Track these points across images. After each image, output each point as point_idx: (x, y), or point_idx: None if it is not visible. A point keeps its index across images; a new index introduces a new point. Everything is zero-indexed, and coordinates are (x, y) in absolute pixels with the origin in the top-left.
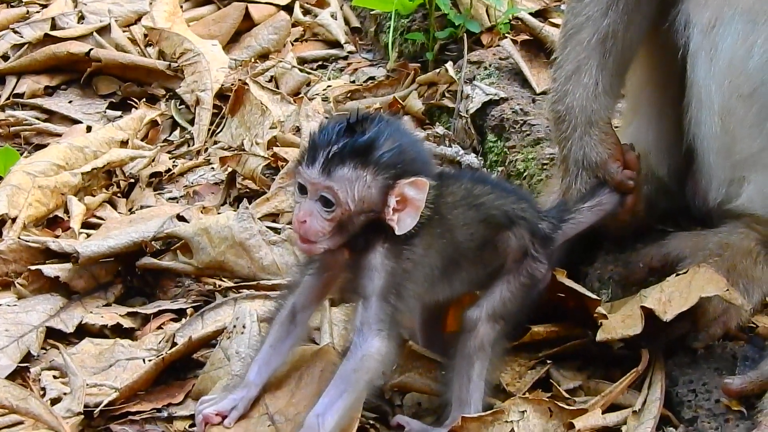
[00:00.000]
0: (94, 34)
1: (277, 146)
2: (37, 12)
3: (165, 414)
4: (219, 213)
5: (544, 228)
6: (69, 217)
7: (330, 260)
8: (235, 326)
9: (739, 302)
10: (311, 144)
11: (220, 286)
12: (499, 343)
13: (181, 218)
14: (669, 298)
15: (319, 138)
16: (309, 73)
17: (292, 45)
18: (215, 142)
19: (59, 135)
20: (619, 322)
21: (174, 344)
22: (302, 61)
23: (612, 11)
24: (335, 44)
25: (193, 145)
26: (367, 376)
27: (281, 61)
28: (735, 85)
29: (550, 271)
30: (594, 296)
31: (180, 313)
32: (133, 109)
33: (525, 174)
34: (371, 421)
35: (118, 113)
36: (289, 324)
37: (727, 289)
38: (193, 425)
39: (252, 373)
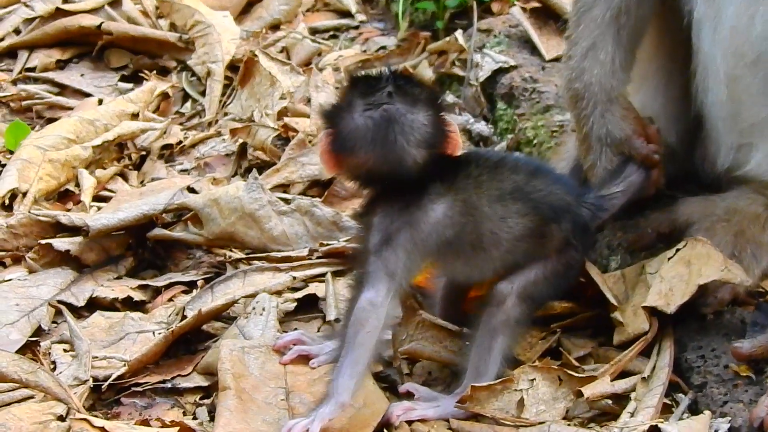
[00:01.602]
0: (106, 6)
1: (288, 117)
2: None
3: (174, 386)
4: (229, 184)
5: (584, 217)
6: (80, 190)
7: None
8: (254, 308)
9: (737, 280)
10: None
11: (230, 257)
12: (524, 322)
13: (191, 190)
14: (670, 286)
15: None
16: (320, 43)
17: (304, 15)
18: (226, 114)
19: (71, 108)
20: (631, 316)
21: (184, 317)
22: (313, 31)
23: None
24: (346, 14)
25: (204, 116)
26: (363, 328)
27: (292, 32)
28: (739, 53)
29: (584, 258)
30: (614, 300)
31: (191, 285)
32: (145, 82)
33: (535, 141)
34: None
35: (130, 86)
36: None
37: (724, 268)
38: (203, 397)
39: None
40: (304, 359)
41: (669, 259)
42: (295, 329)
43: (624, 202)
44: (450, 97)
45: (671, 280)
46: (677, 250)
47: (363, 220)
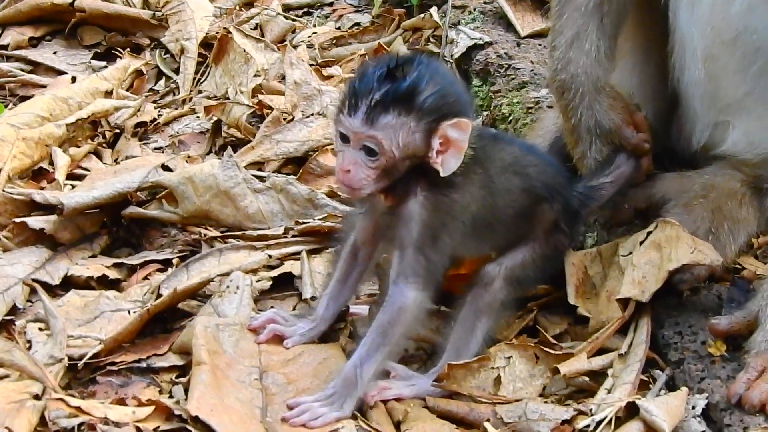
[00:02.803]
0: None
1: (262, 94)
2: None
3: (149, 365)
4: (204, 162)
5: (574, 204)
6: (54, 168)
7: (372, 204)
8: (228, 287)
9: (708, 261)
10: (352, 92)
11: (205, 235)
12: (509, 305)
13: (166, 168)
14: (643, 273)
15: (360, 85)
16: (294, 20)
17: None
18: (200, 91)
19: (44, 86)
20: (605, 303)
21: (159, 296)
22: (287, 8)
23: None
24: None
25: (178, 94)
26: (402, 328)
27: (266, 9)
28: (717, 32)
29: (571, 245)
30: (572, 299)
31: (166, 264)
32: (118, 59)
33: (510, 118)
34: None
35: (103, 63)
36: (352, 260)
37: (694, 249)
38: (179, 376)
39: (321, 308)
40: (278, 338)
41: (641, 243)
42: (271, 307)
43: (614, 191)
44: None
45: (644, 266)
46: (648, 233)
47: (395, 207)
